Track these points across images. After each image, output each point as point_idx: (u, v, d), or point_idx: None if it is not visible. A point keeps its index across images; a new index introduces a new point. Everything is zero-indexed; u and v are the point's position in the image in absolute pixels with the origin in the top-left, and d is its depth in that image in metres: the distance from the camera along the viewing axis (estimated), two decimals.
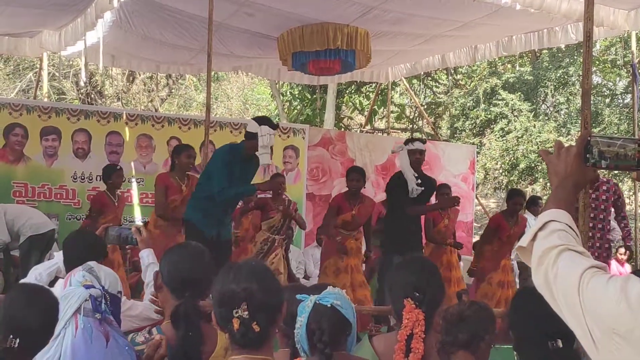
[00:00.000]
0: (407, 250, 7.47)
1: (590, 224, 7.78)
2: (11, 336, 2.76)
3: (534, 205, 10.97)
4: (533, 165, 17.27)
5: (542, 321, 2.46)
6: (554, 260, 1.69)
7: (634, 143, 1.84)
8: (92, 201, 8.81)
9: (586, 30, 5.89)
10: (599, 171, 2.10)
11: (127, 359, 2.49)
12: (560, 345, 2.48)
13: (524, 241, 1.81)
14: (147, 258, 3.58)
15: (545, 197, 17.31)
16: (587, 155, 1.88)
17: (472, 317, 2.87)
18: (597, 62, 18.35)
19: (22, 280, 3.62)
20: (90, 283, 2.57)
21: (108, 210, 8.54)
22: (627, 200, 21.24)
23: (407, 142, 8.29)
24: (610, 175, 19.98)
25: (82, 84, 19.40)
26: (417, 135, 21.04)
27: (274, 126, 7.18)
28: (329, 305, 2.69)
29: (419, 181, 7.96)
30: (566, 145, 1.96)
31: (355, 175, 8.35)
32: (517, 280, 11.53)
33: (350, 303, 2.87)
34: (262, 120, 7.23)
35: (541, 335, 2.50)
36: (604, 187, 8.21)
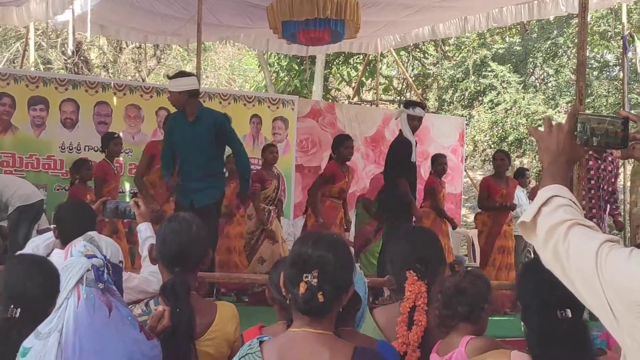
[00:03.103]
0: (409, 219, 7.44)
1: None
2: (12, 306, 2.76)
3: (522, 177, 11.01)
4: (522, 137, 17.28)
5: (551, 291, 2.41)
6: (564, 235, 1.67)
7: (619, 121, 1.83)
8: (96, 170, 8.59)
9: (581, 1, 5.88)
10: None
11: (129, 329, 2.47)
12: (570, 315, 2.45)
13: (527, 216, 1.78)
14: (145, 232, 3.58)
15: (532, 170, 17.37)
16: (577, 132, 1.88)
17: (469, 289, 2.86)
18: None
19: (19, 252, 3.60)
20: (92, 253, 2.56)
21: (111, 179, 8.46)
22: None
23: (407, 105, 8.02)
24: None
25: (69, 53, 19.22)
26: None
27: (178, 76, 6.97)
28: None
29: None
30: (555, 121, 1.95)
31: (351, 143, 8.21)
32: None
33: (362, 278, 2.84)
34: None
35: (549, 306, 2.46)
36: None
